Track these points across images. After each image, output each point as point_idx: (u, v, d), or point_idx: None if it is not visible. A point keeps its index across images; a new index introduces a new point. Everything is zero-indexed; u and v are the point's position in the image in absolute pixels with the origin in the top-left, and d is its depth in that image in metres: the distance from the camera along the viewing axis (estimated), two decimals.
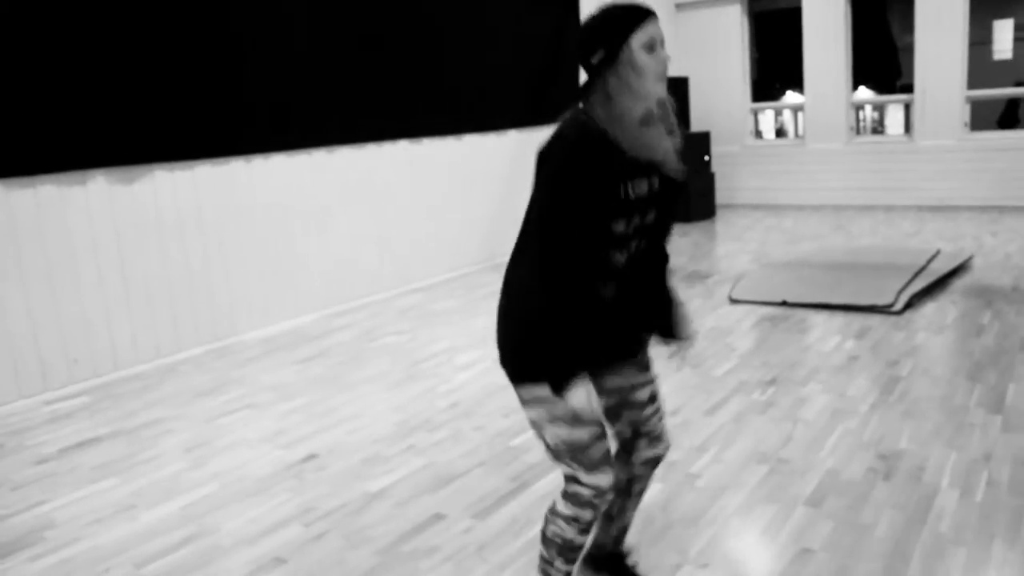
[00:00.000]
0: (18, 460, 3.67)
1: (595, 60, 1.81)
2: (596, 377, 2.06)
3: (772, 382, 3.97)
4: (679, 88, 9.04)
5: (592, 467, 1.91)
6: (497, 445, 3.49)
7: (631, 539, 2.52)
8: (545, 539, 2.04)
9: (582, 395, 1.87)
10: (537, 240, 1.82)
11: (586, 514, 1.95)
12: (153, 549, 2.81)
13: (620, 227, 1.87)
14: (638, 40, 1.78)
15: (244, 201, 5.43)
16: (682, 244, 7.80)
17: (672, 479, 3.05)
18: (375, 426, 3.79)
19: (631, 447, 2.17)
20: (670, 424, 3.57)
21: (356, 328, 5.53)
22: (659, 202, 1.94)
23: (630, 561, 2.39)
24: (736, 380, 4.04)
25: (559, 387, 1.82)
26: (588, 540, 2.08)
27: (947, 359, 4.17)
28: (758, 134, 10.66)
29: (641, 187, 1.87)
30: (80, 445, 3.79)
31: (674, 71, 9.39)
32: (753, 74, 10.40)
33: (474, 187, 7.28)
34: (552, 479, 3.11)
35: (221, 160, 5.28)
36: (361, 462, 3.41)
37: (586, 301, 1.86)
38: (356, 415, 3.94)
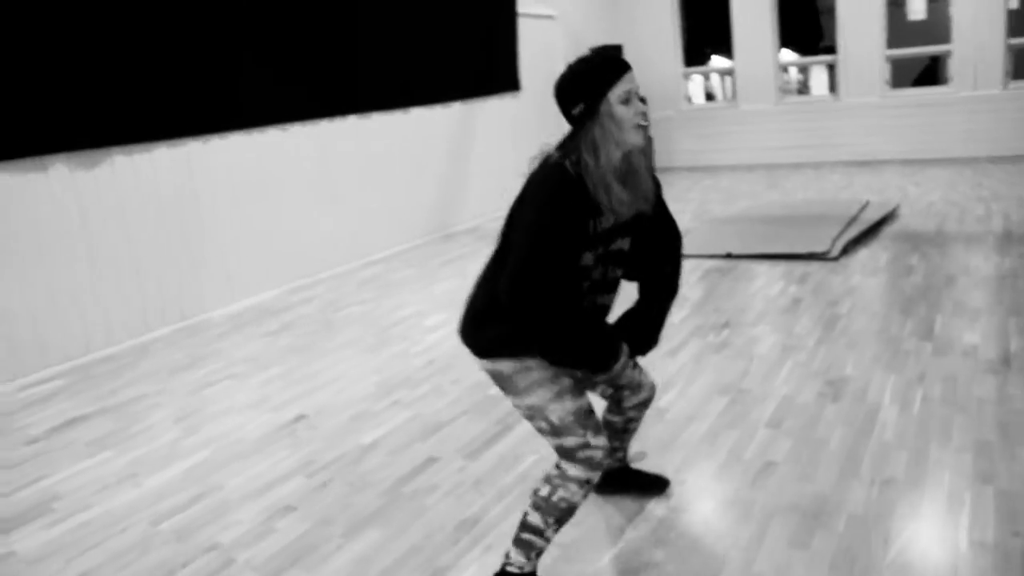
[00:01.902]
0: (7, 442, 3.75)
1: (576, 112, 1.95)
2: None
3: (725, 325, 4.28)
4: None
5: (598, 428, 2.10)
6: (477, 394, 3.71)
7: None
8: (543, 507, 2.10)
9: (569, 402, 2.10)
10: (524, 285, 1.92)
11: (596, 475, 2.10)
12: (165, 508, 2.96)
13: (587, 259, 2.02)
14: (616, 94, 1.93)
15: (202, 182, 5.49)
16: None
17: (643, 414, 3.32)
18: (358, 386, 3.97)
19: (619, 398, 2.40)
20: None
21: (320, 300, 5.67)
22: (631, 231, 2.13)
23: (634, 465, 2.73)
24: (692, 325, 4.34)
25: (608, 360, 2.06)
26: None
27: (882, 297, 4.55)
28: (688, 99, 11.00)
29: (607, 221, 2.01)
30: (68, 424, 3.88)
31: (608, 38, 9.66)
32: (682, 40, 10.71)
33: (423, 160, 7.43)
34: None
35: (178, 142, 5.33)
36: (350, 419, 3.60)
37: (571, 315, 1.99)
38: (337, 378, 4.11)
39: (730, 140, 9.90)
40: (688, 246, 5.91)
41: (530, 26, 8.65)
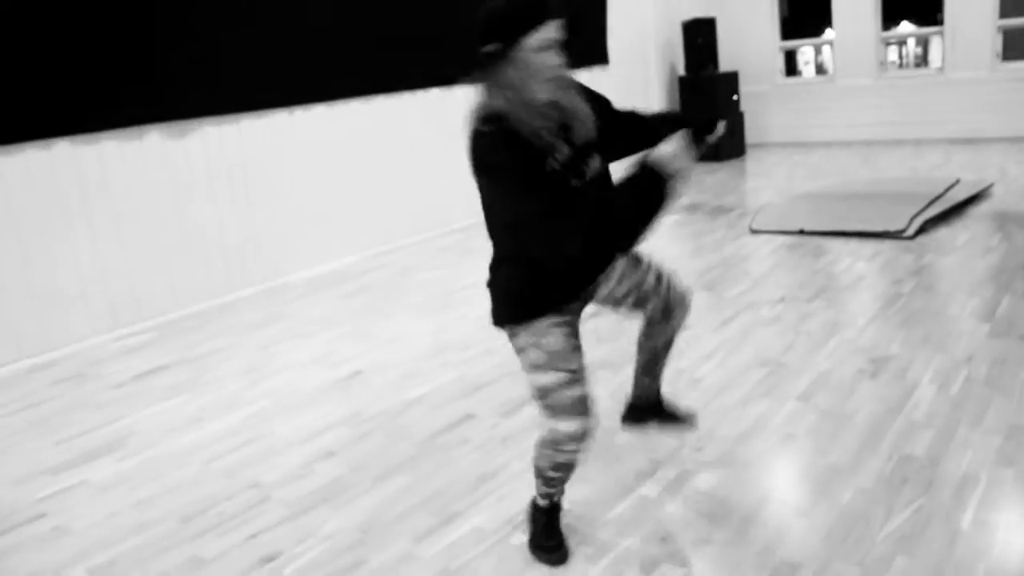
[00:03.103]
0: (98, 385, 4.12)
1: (489, 50, 1.87)
2: (605, 299, 2.27)
3: (781, 300, 4.24)
4: (707, 28, 9.13)
5: (557, 412, 2.07)
6: (515, 363, 3.81)
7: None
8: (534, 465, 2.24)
9: (558, 338, 2.06)
10: (516, 227, 1.94)
11: (557, 456, 2.12)
12: (219, 449, 3.22)
13: (573, 182, 1.99)
14: (534, 40, 1.83)
15: (287, 152, 5.78)
16: (709, 182, 7.99)
17: (678, 382, 3.37)
18: (412, 347, 4.16)
19: (668, 315, 2.32)
20: (681, 337, 3.87)
21: (395, 266, 5.90)
22: (595, 148, 2.05)
23: (668, 407, 2.66)
24: (747, 300, 4.31)
25: (526, 315, 2.06)
26: (563, 475, 2.22)
27: (949, 277, 4.39)
28: (796, 71, 10.65)
29: (562, 150, 1.95)
30: (151, 372, 4.23)
31: (702, 11, 9.47)
32: (784, 11, 10.39)
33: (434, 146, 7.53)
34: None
35: (264, 113, 5.63)
36: (400, 376, 3.78)
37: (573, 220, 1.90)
38: (395, 338, 4.31)
39: (826, 116, 9.58)
40: (762, 222, 5.83)
41: None
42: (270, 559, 2.43)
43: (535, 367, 2.09)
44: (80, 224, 4.75)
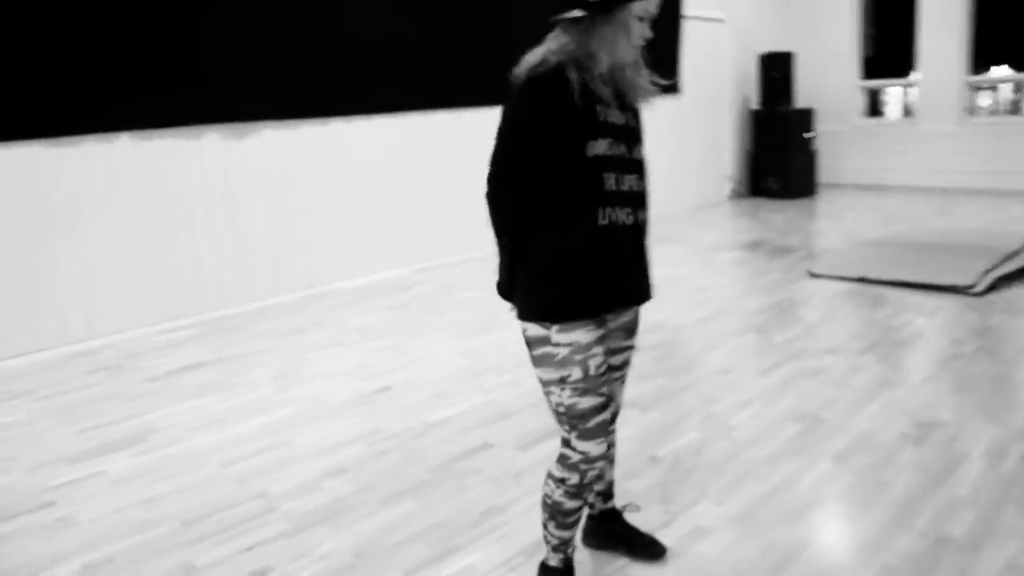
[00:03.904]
0: (132, 378, 4.16)
1: (596, 1, 1.84)
2: (606, 335, 2.03)
3: (830, 351, 4.04)
4: (784, 62, 8.91)
5: (586, 436, 1.95)
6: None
7: (630, 489, 2.72)
8: (543, 502, 2.10)
9: (595, 360, 1.92)
10: (498, 166, 1.90)
11: (573, 477, 1.99)
12: (236, 454, 3.20)
13: (600, 148, 1.86)
14: (639, 8, 1.85)
15: (343, 159, 5.81)
16: (775, 220, 7.76)
17: (710, 428, 3.22)
18: (446, 367, 4.09)
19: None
20: (720, 382, 3.72)
21: (439, 282, 5.85)
22: (640, 138, 1.99)
23: (627, 512, 2.44)
24: (795, 348, 4.12)
25: (557, 316, 1.89)
26: (578, 506, 2.08)
27: (1016, 341, 4.12)
28: (878, 112, 10.31)
29: (615, 115, 1.90)
30: (185, 369, 4.26)
31: (779, 46, 9.26)
32: (868, 50, 10.09)
33: None
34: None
35: (323, 120, 5.67)
36: (428, 396, 3.71)
37: (580, 227, 1.87)
38: (429, 356, 4.25)
39: (905, 159, 9.23)
40: (823, 266, 5.61)
41: (696, 28, 8.46)
42: (261, 574, 2.37)
43: (573, 388, 1.94)
44: (133, 218, 4.84)
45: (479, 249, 6.79)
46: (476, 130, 6.63)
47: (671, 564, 2.33)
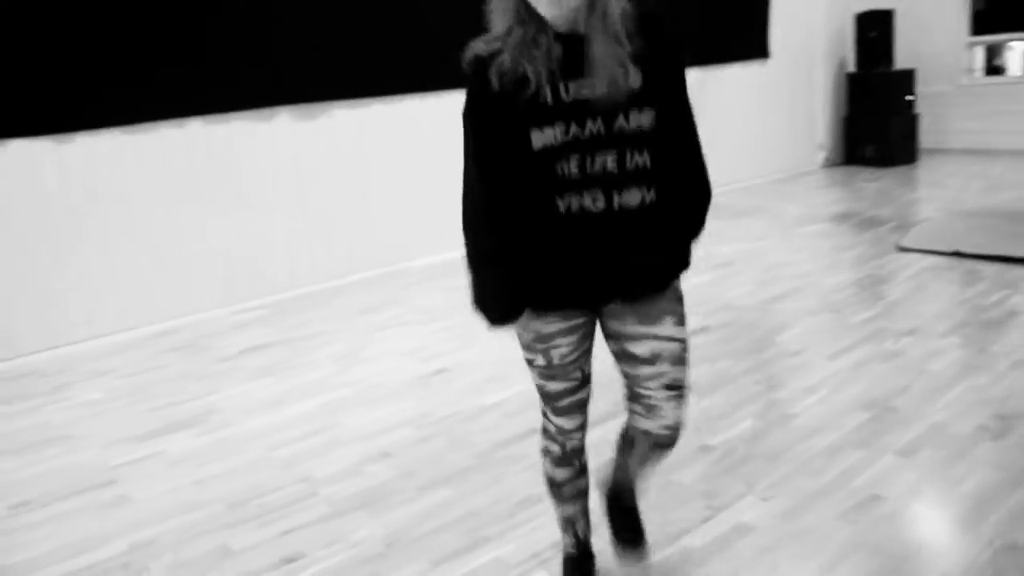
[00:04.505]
0: (205, 358, 4.29)
1: None
2: (600, 317, 1.85)
3: (910, 332, 3.77)
4: (883, 21, 8.37)
5: (559, 413, 1.90)
6: (611, 373, 3.61)
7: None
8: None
9: (559, 350, 1.79)
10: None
11: (554, 447, 1.96)
12: (286, 437, 3.24)
13: (556, 135, 1.62)
14: None
15: (415, 137, 5.79)
16: (868, 190, 7.34)
17: (769, 416, 3.06)
18: (506, 349, 4.03)
19: (630, 406, 1.88)
20: (786, 365, 3.53)
21: None
22: (641, 101, 1.63)
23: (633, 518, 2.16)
24: (873, 328, 3.87)
25: (494, 319, 1.76)
26: (568, 476, 2.00)
27: None
28: (996, 70, 9.56)
29: (581, 87, 1.61)
30: (253, 349, 4.36)
31: (878, 3, 8.69)
32: (979, 3, 9.36)
33: None
34: None
35: (395, 98, 5.66)
36: (483, 379, 3.67)
37: (523, 216, 1.69)
38: (491, 337, 4.20)
39: (1017, 121, 8.55)
40: (914, 239, 5.27)
41: None
42: (292, 559, 2.39)
43: (539, 371, 1.89)
44: (209, 200, 4.97)
45: None
46: None
47: (706, 565, 2.22)
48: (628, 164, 1.65)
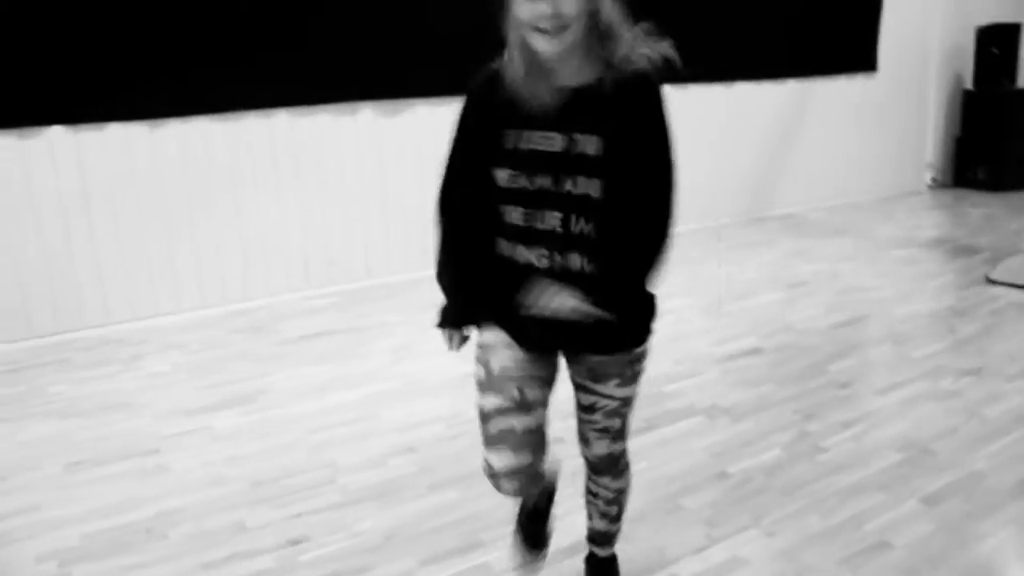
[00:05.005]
0: (267, 340, 4.50)
1: None
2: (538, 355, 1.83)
3: (973, 372, 3.58)
4: (1008, 35, 7.87)
5: (488, 442, 1.84)
6: (650, 387, 3.58)
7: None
8: None
9: (499, 358, 1.79)
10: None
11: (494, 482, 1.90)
12: (324, 423, 3.38)
13: (503, 178, 1.65)
14: (526, 12, 1.54)
15: None
16: (972, 215, 6.95)
17: (797, 447, 2.98)
18: None
19: (580, 430, 1.98)
20: (830, 396, 3.42)
21: None
22: (590, 169, 1.58)
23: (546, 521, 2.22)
24: (934, 364, 3.70)
25: (443, 321, 1.90)
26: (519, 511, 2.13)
27: None
28: None
29: (540, 141, 1.61)
30: (316, 335, 4.54)
31: (1003, 16, 8.18)
32: None
33: (740, 136, 7.08)
34: (681, 426, 3.19)
35: None
36: None
37: (471, 243, 1.77)
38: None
39: None
40: (1005, 271, 4.98)
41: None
42: (297, 542, 2.51)
43: (477, 384, 1.90)
44: (290, 188, 5.20)
45: None
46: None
47: None
48: (572, 228, 1.61)
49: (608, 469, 2.00)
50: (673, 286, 5.12)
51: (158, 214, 4.83)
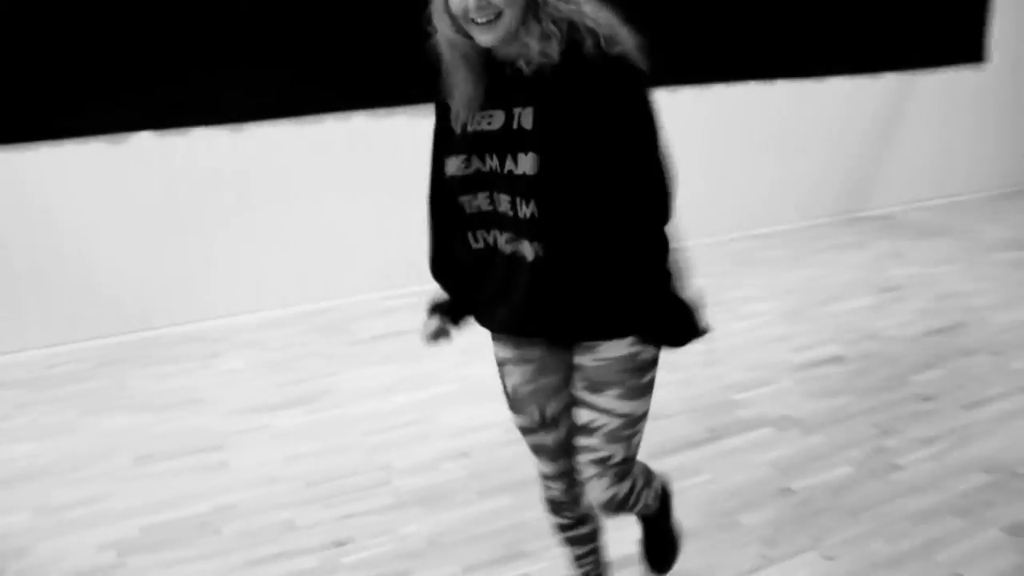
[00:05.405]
0: (340, 340, 4.55)
1: None
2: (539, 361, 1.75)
3: None
4: None
5: (531, 450, 1.87)
6: (719, 394, 3.46)
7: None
8: None
9: (511, 378, 1.78)
10: None
11: (543, 491, 1.94)
12: (384, 425, 3.38)
13: (451, 166, 1.59)
14: None
15: None
16: None
17: (870, 465, 2.79)
18: None
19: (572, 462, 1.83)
20: (912, 410, 3.20)
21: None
22: (527, 144, 1.47)
23: None
24: None
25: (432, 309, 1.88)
26: (558, 523, 1.97)
27: None
28: None
29: (484, 120, 1.54)
30: (387, 335, 4.57)
31: None
32: None
33: (835, 134, 6.76)
34: (747, 437, 3.05)
35: None
36: None
37: (448, 234, 1.75)
38: None
39: None
40: None
41: None
42: (341, 544, 2.51)
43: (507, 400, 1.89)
44: (369, 189, 5.26)
45: (736, 230, 6.41)
46: (727, 106, 6.25)
47: None
48: (520, 211, 1.52)
49: (609, 516, 1.80)
50: (753, 288, 4.93)
51: (242, 215, 4.97)
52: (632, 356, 1.62)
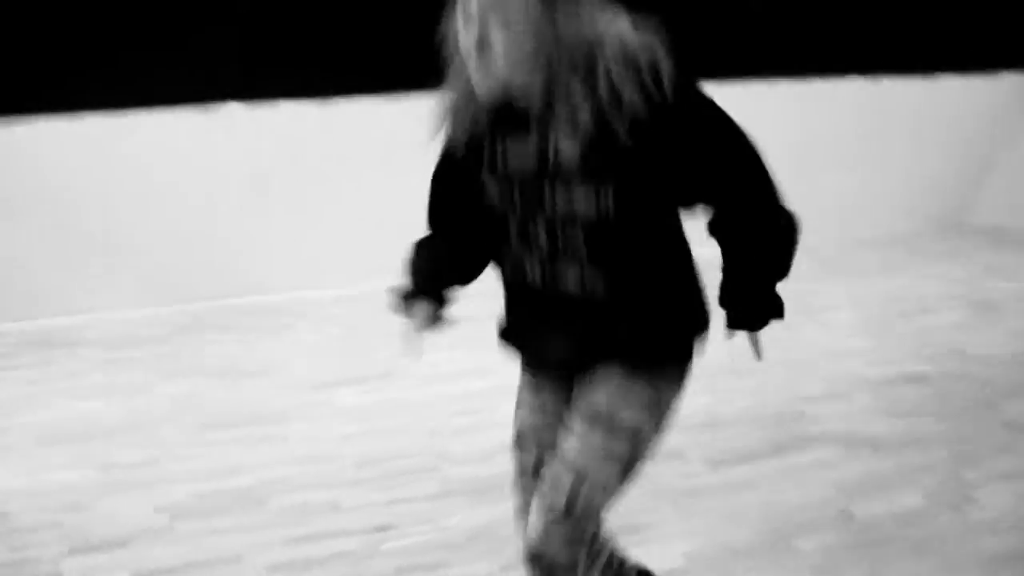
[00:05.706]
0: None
1: None
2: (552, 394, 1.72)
3: None
4: None
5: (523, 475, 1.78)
6: (788, 405, 3.33)
7: None
8: None
9: (523, 409, 1.77)
10: None
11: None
12: (444, 410, 3.38)
13: (492, 192, 1.54)
14: None
15: None
16: None
17: (943, 494, 2.62)
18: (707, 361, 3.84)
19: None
20: (995, 440, 2.99)
21: None
22: (599, 176, 1.39)
23: None
24: None
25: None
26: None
27: None
28: None
29: (519, 152, 1.45)
30: (467, 319, 4.44)
31: None
32: None
33: (934, 136, 6.39)
34: (813, 454, 2.91)
35: None
36: None
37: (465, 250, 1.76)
38: None
39: None
40: None
41: None
42: (383, 529, 2.51)
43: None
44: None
45: (814, 235, 6.17)
46: (813, 104, 5.98)
47: None
48: (560, 243, 1.47)
49: (532, 560, 1.56)
50: (837, 296, 4.72)
51: (326, 190, 5.03)
52: (633, 384, 1.55)
